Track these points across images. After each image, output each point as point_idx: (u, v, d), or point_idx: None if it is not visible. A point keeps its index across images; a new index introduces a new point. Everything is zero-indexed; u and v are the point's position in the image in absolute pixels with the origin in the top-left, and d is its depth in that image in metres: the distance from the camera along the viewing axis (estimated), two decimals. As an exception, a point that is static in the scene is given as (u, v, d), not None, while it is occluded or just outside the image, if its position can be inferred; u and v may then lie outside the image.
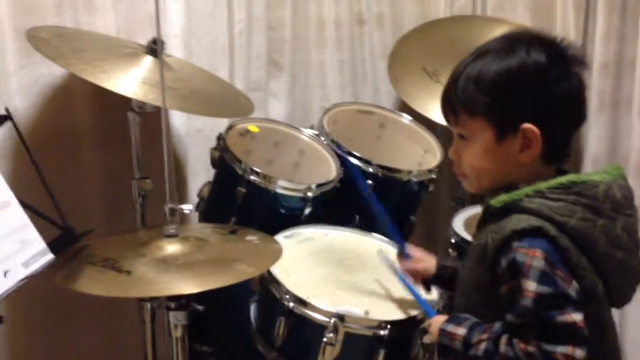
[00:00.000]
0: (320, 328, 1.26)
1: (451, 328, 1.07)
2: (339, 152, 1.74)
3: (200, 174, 1.91)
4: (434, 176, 1.82)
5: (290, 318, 1.31)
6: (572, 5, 2.10)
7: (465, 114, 1.07)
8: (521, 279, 0.97)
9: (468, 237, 1.67)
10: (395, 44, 2.09)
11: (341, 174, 1.70)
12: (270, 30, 1.98)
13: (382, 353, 1.28)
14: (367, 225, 1.70)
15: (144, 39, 1.60)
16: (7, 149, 1.60)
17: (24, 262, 1.08)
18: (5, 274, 1.04)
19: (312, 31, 2.06)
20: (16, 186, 1.12)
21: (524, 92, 1.04)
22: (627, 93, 1.87)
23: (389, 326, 1.27)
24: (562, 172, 1.08)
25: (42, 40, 1.46)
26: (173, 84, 1.52)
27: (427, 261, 1.34)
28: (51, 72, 1.63)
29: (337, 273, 1.45)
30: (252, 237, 1.43)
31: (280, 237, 1.51)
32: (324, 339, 1.25)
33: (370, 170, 1.73)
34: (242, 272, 1.25)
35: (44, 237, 1.13)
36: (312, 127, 1.87)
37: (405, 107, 2.03)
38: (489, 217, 1.08)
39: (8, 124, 1.26)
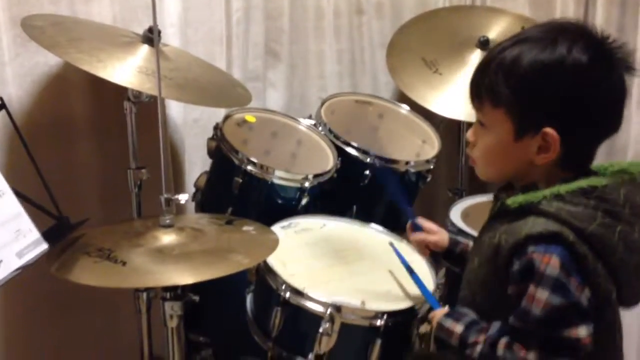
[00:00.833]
0: (317, 318, 1.26)
1: (449, 324, 1.06)
2: (337, 142, 1.73)
3: (197, 164, 1.91)
4: (431, 167, 1.82)
5: (287, 308, 1.30)
6: (572, -4, 2.09)
7: (489, 102, 1.01)
8: (533, 285, 0.94)
9: (465, 228, 1.67)
10: (394, 33, 2.08)
11: (338, 165, 1.70)
12: (268, 20, 1.97)
13: (378, 343, 1.28)
14: (365, 215, 1.70)
15: (141, 28, 1.59)
16: (1, 138, 1.59)
17: (18, 252, 1.07)
18: (-1, 263, 1.03)
19: (310, 20, 2.05)
20: (10, 176, 1.12)
21: (555, 93, 0.97)
22: (627, 84, 1.86)
23: (385, 316, 1.27)
24: (581, 172, 1.02)
25: (37, 28, 1.45)
26: (169, 73, 1.51)
27: (439, 234, 1.32)
28: (46, 61, 1.62)
29: (334, 263, 1.45)
30: (249, 228, 1.43)
31: (277, 228, 1.50)
32: (320, 330, 1.25)
33: (368, 160, 1.72)
34: (238, 262, 1.24)
35: (39, 227, 1.12)
36: (310, 117, 1.87)
37: (403, 98, 2.02)
38: (502, 215, 1.03)
39: (2, 113, 1.25)
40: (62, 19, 1.60)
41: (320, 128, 1.81)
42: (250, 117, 1.77)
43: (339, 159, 1.71)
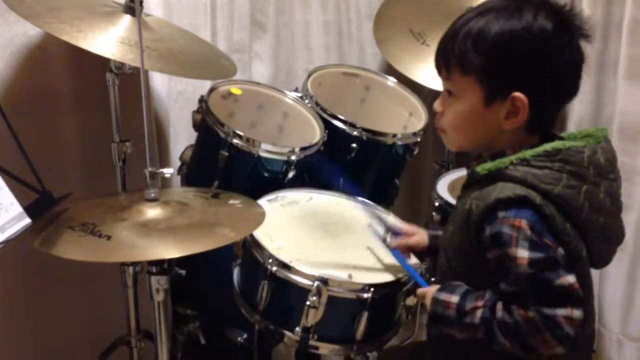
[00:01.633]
0: (304, 291, 1.27)
1: (444, 296, 1.07)
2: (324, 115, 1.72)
3: (182, 137, 1.89)
4: (419, 139, 1.82)
5: (274, 282, 1.31)
6: (560, -34, 2.07)
7: (458, 71, 1.04)
8: (510, 249, 0.96)
9: (452, 201, 1.67)
10: (382, 4, 2.06)
11: (325, 137, 1.69)
12: (253, -11, 1.94)
13: (365, 315, 1.29)
14: (352, 189, 1.70)
15: (122, -3, 1.55)
16: (-19, 111, 1.56)
17: (0, 227, 1.06)
18: (-20, 238, 1.02)
19: (296, -9, 2.02)
20: (-9, 150, 1.10)
21: (523, 58, 1.01)
22: (614, 56, 1.86)
23: (372, 289, 1.28)
24: (547, 137, 1.06)
25: (15, -2, 1.41)
26: (152, 44, 1.48)
27: (418, 235, 1.34)
28: (26, 31, 1.58)
29: (321, 237, 1.45)
30: (235, 201, 1.42)
31: (263, 201, 1.50)
32: (307, 302, 1.26)
33: (355, 133, 1.71)
34: (224, 236, 1.23)
35: (21, 202, 1.11)
36: (296, 90, 1.85)
37: (391, 69, 2.00)
38: (473, 183, 1.07)
39: (-19, 86, 1.22)
40: (41, -13, 1.56)
41: (306, 100, 1.79)
42: (235, 90, 1.75)
43: (326, 131, 1.70)
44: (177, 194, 1.49)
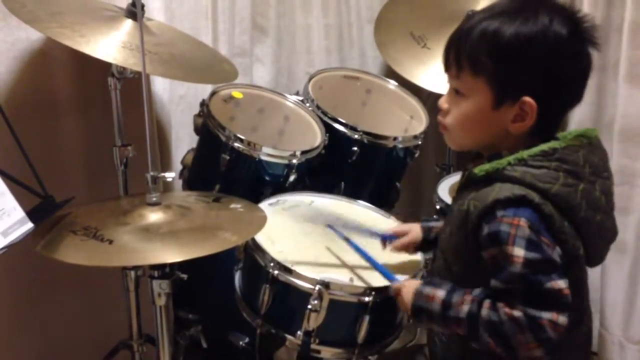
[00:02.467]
0: (305, 295, 1.27)
1: (428, 290, 1.07)
2: (325, 118, 1.73)
3: (183, 141, 1.89)
4: (419, 142, 1.82)
5: (275, 285, 1.31)
6: (560, -31, 2.07)
7: (469, 71, 1.03)
8: (507, 247, 0.96)
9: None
10: (382, 8, 2.07)
11: (326, 141, 1.69)
12: (254, -7, 1.94)
13: (366, 319, 1.29)
14: (353, 192, 1.70)
15: (124, 2, 1.55)
16: (-17, 116, 1.56)
17: (2, 232, 1.06)
18: (-17, 243, 1.02)
19: (297, -6, 2.02)
20: (-7, 154, 1.10)
21: (536, 63, 1.00)
22: (614, 58, 1.86)
23: (373, 293, 1.28)
24: (546, 139, 1.06)
25: (17, 3, 1.41)
26: (154, 48, 1.48)
27: (411, 232, 1.34)
28: (28, 36, 1.58)
29: (322, 240, 1.45)
30: (236, 205, 1.42)
31: (264, 205, 1.50)
32: (309, 306, 1.26)
33: (356, 136, 1.71)
34: (226, 240, 1.23)
35: (23, 206, 1.11)
36: (297, 94, 1.85)
37: (391, 72, 2.01)
38: (469, 184, 1.07)
39: (-17, 91, 1.22)
40: (43, -8, 1.56)
41: (307, 104, 1.79)
42: (237, 93, 1.75)
43: (327, 135, 1.71)
44: (178, 197, 1.49)
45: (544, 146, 1.01)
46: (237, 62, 1.87)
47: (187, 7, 1.85)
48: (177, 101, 1.87)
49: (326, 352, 1.32)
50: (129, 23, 1.49)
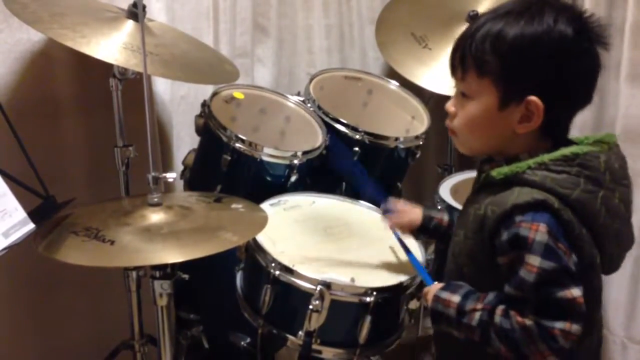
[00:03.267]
0: (307, 295, 1.27)
1: (446, 295, 1.07)
2: (326, 119, 1.73)
3: (185, 142, 1.89)
4: (421, 143, 1.82)
5: (276, 286, 1.31)
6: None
7: (474, 72, 1.03)
8: (524, 253, 0.95)
9: (455, 204, 1.67)
10: (383, 8, 2.06)
11: (327, 141, 1.69)
12: (255, -7, 1.94)
13: (368, 319, 1.29)
14: (354, 192, 1.70)
15: (125, 3, 1.55)
16: (-15, 117, 1.56)
17: (4, 232, 1.06)
18: (-16, 244, 1.02)
19: (298, -5, 2.02)
20: (-5, 155, 1.10)
21: (541, 62, 0.99)
22: (616, 58, 1.86)
23: (374, 293, 1.28)
24: (560, 141, 1.05)
25: (19, 4, 1.42)
26: (155, 49, 1.48)
27: (412, 213, 1.34)
28: (29, 37, 1.59)
29: (324, 241, 1.45)
30: (238, 205, 1.42)
31: (266, 205, 1.50)
32: (310, 306, 1.26)
33: (357, 137, 1.71)
34: (227, 240, 1.23)
35: (25, 207, 1.11)
36: (298, 94, 1.85)
37: (393, 73, 2.01)
38: (486, 187, 1.05)
39: (-15, 92, 1.22)
40: (44, -7, 1.56)
41: (309, 104, 1.79)
42: (238, 94, 1.75)
43: (328, 135, 1.71)
44: (180, 198, 1.49)
45: (566, 151, 1.00)
46: (239, 63, 1.87)
47: (189, 8, 1.85)
48: (178, 102, 1.88)
49: (327, 352, 1.31)
50: (130, 24, 1.49)
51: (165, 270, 1.31)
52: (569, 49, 0.99)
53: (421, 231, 1.34)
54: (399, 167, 1.87)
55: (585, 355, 1.09)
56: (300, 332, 1.29)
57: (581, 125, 1.92)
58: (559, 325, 0.93)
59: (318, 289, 1.25)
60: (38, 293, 1.70)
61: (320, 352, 1.31)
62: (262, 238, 1.35)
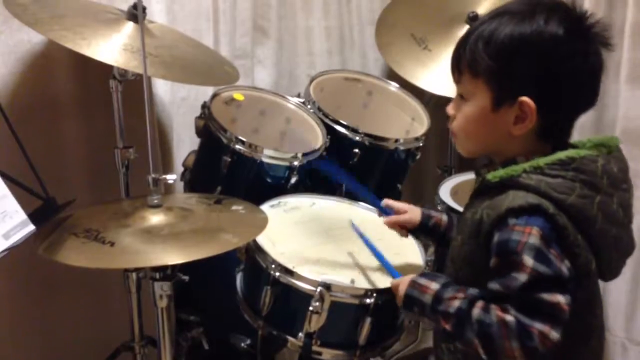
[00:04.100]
0: (307, 297, 1.27)
1: (424, 281, 1.07)
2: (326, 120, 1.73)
3: (185, 143, 1.89)
4: (421, 144, 1.82)
5: (277, 287, 1.31)
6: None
7: (469, 73, 1.03)
8: (515, 255, 0.95)
9: (455, 205, 1.67)
10: (383, 10, 2.07)
11: (327, 143, 1.69)
12: (255, -6, 1.95)
13: (368, 321, 1.29)
14: (354, 194, 1.70)
15: (125, 4, 1.56)
16: (-15, 118, 1.56)
17: (4, 234, 1.06)
18: (-15, 245, 1.02)
19: (298, -4, 2.02)
20: (-5, 157, 1.10)
21: (531, 62, 0.99)
22: (616, 59, 1.86)
23: (374, 294, 1.28)
24: (560, 145, 1.04)
25: (19, 5, 1.42)
26: (155, 50, 1.48)
27: (410, 212, 1.34)
28: (30, 38, 1.59)
29: (324, 242, 1.45)
30: (238, 207, 1.42)
31: (266, 207, 1.50)
32: (310, 308, 1.26)
33: (357, 138, 1.72)
34: (227, 242, 1.24)
35: (25, 208, 1.11)
36: (298, 96, 1.85)
37: (393, 74, 2.01)
38: (484, 191, 1.05)
39: (-15, 93, 1.22)
40: (44, -5, 1.56)
41: (309, 106, 1.80)
42: (238, 95, 1.75)
43: (328, 137, 1.71)
44: (180, 199, 1.49)
45: (561, 154, 0.99)
46: (239, 64, 1.87)
47: (188, 9, 1.85)
48: (178, 103, 1.88)
49: (327, 353, 1.31)
50: (130, 25, 1.50)
51: (166, 272, 1.31)
52: (559, 48, 0.98)
53: (420, 230, 1.34)
54: (399, 169, 1.87)
55: None
56: (300, 334, 1.29)
57: (580, 126, 1.90)
58: (538, 325, 0.93)
59: (318, 290, 1.25)
60: (38, 295, 1.70)
61: (320, 353, 1.31)
62: (262, 239, 1.35)
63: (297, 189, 1.63)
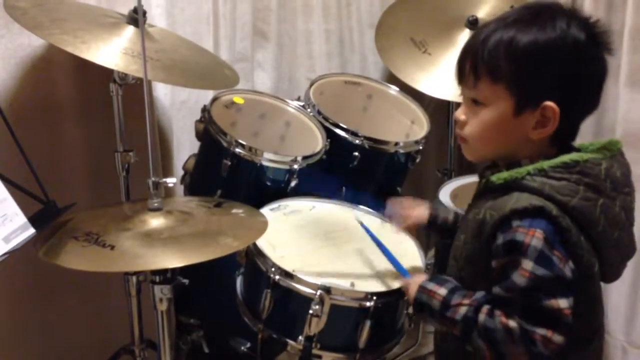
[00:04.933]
0: (307, 300, 1.27)
1: (432, 286, 1.08)
2: (326, 124, 1.73)
3: (185, 147, 1.89)
4: (421, 147, 1.82)
5: (276, 290, 1.31)
6: (561, -26, 2.08)
7: (487, 78, 1.02)
8: (518, 257, 0.95)
9: (454, 208, 1.67)
10: (383, 13, 2.07)
11: (327, 146, 1.69)
12: (255, -2, 1.95)
13: (368, 324, 1.29)
14: (354, 197, 1.70)
15: (125, 8, 1.56)
16: (-15, 122, 1.56)
17: (4, 237, 1.06)
18: (-15, 249, 1.03)
19: (298, -1, 2.03)
20: (-5, 160, 1.10)
21: (556, 67, 0.99)
22: (615, 63, 1.86)
23: (374, 298, 1.28)
24: (563, 148, 1.05)
25: (20, 9, 1.42)
26: (155, 54, 1.49)
27: (418, 208, 1.35)
28: (30, 42, 1.59)
29: (324, 245, 1.45)
30: (238, 210, 1.42)
31: (266, 210, 1.50)
32: (310, 311, 1.26)
33: (357, 142, 1.72)
34: (227, 245, 1.23)
35: (25, 212, 1.11)
36: (298, 100, 1.86)
37: (392, 78, 2.01)
38: (486, 192, 1.05)
39: (-14, 97, 1.23)
40: (45, -1, 1.57)
41: (309, 109, 1.80)
42: (238, 99, 1.76)
43: (328, 140, 1.71)
44: (180, 203, 1.49)
45: (566, 157, 0.99)
46: (238, 68, 1.88)
47: (189, 13, 1.85)
48: (178, 107, 1.88)
49: (327, 357, 1.31)
50: (130, 29, 1.50)
51: (166, 275, 1.31)
52: (582, 54, 0.99)
53: (428, 227, 1.34)
54: (398, 172, 1.87)
55: None
56: (300, 337, 1.29)
57: (581, 129, 1.93)
58: (541, 331, 0.94)
59: (318, 293, 1.26)
60: (38, 298, 1.70)
61: (320, 356, 1.31)
62: (262, 243, 1.35)
63: (297, 193, 1.63)
